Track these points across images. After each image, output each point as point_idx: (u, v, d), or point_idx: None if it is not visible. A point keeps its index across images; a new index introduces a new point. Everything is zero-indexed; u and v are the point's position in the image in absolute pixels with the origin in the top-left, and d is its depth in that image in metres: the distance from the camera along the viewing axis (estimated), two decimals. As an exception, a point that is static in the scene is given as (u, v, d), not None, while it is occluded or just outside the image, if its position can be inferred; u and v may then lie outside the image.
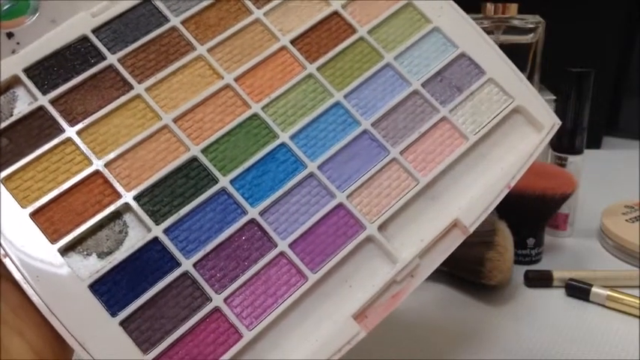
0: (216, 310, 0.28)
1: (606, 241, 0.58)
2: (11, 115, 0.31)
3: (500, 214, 0.51)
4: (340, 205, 0.32)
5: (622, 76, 0.82)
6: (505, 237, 0.49)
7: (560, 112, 0.57)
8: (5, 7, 0.34)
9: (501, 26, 0.57)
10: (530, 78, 0.59)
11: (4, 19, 0.33)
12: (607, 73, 0.77)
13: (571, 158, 0.58)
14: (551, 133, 0.36)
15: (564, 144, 0.58)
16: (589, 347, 0.44)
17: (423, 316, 0.48)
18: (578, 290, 0.51)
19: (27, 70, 0.32)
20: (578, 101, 0.57)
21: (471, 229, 0.32)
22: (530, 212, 0.53)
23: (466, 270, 0.50)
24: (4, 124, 0.30)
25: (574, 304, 0.50)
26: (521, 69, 0.56)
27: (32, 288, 0.27)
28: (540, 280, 0.52)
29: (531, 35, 0.58)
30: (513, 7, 0.61)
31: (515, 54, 0.54)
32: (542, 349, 0.44)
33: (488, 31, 0.59)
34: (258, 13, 0.35)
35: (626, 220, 0.59)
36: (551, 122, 0.36)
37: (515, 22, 0.59)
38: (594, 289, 0.50)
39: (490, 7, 0.61)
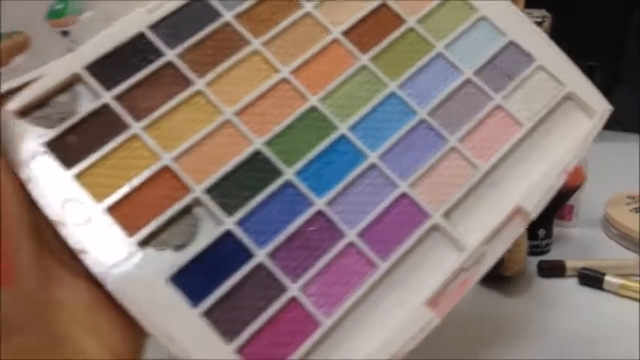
0: (293, 299, 0.29)
1: (610, 230, 0.60)
2: (75, 113, 0.31)
3: None
4: (404, 195, 0.32)
5: (617, 69, 0.83)
6: None
7: None
8: (57, 7, 0.34)
9: None
10: None
11: (57, 18, 0.33)
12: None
13: None
14: (602, 118, 0.36)
15: None
16: (604, 334, 0.45)
17: None
18: (591, 279, 0.52)
19: (88, 68, 0.32)
20: None
21: (534, 214, 0.33)
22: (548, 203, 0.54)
23: None
24: (70, 122, 0.30)
25: (587, 293, 0.51)
26: None
27: (113, 283, 0.27)
28: (553, 269, 0.54)
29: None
30: (520, 1, 0.62)
31: None
32: (558, 336, 0.45)
33: None
34: (308, 6, 0.35)
35: (630, 211, 0.60)
36: (602, 107, 0.36)
37: None
38: (607, 278, 0.51)
39: (495, 0, 0.61)
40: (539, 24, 0.59)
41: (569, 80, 0.36)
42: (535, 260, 0.53)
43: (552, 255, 0.56)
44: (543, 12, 0.61)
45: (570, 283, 0.52)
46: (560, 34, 0.62)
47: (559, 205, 0.57)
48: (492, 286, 0.51)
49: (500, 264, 0.49)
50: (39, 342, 0.23)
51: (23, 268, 0.23)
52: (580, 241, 0.60)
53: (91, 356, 0.25)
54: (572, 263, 0.53)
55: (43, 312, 0.23)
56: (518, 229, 0.33)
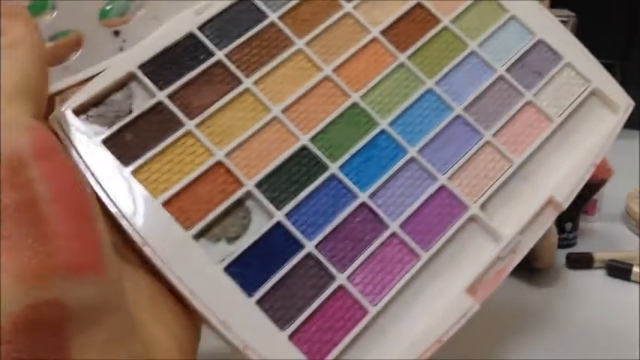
0: (341, 287, 0.30)
1: (631, 223, 0.61)
2: (130, 111, 0.32)
3: None
4: (442, 187, 0.34)
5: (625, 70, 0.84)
6: None
7: None
8: (107, 7, 0.36)
9: None
10: None
11: (107, 18, 0.35)
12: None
13: None
14: (626, 113, 0.38)
15: None
16: (632, 324, 0.47)
17: None
18: (619, 270, 0.53)
19: (141, 67, 0.33)
20: None
21: (565, 205, 0.34)
22: (575, 197, 0.55)
23: None
24: (126, 120, 0.32)
25: (615, 284, 0.53)
26: None
27: (173, 273, 0.29)
28: (582, 261, 0.56)
29: None
30: (546, 2, 0.63)
31: None
32: (587, 326, 0.47)
33: None
34: (348, 6, 0.37)
35: (650, 204, 0.62)
36: (625, 103, 0.38)
37: None
38: (635, 269, 0.53)
39: (523, 1, 0.62)
40: (563, 23, 0.61)
41: (594, 77, 0.38)
42: (562, 253, 0.55)
43: (579, 248, 0.58)
44: (567, 12, 0.63)
45: (598, 275, 0.54)
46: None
47: (587, 199, 0.59)
48: (522, 277, 0.53)
49: (531, 256, 0.50)
50: (114, 333, 0.23)
51: (109, 256, 0.23)
52: (603, 234, 0.62)
53: (162, 342, 0.26)
54: (599, 255, 0.55)
55: (121, 302, 0.24)
56: (550, 219, 0.34)
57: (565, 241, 0.57)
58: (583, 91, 0.38)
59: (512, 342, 0.45)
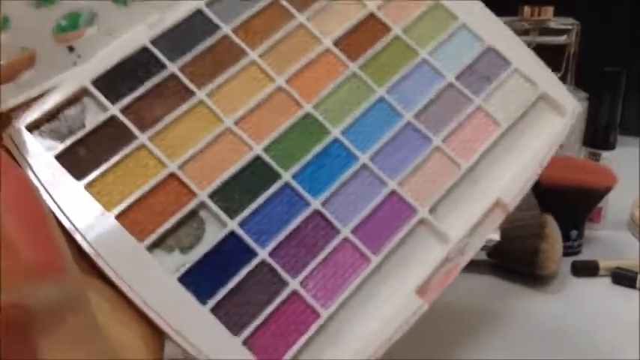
0: (294, 292, 0.31)
1: (637, 230, 0.62)
2: (83, 126, 0.33)
3: (546, 208, 0.55)
4: (393, 193, 0.34)
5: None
6: (554, 229, 0.53)
7: (593, 109, 0.61)
8: (62, 22, 0.36)
9: (537, 28, 0.60)
10: (564, 77, 0.63)
11: (63, 32, 0.35)
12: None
13: (604, 154, 0.62)
14: (573, 116, 0.39)
15: (598, 140, 0.62)
16: (637, 332, 0.47)
17: (476, 306, 0.51)
18: (625, 278, 0.53)
19: (94, 82, 0.34)
20: (611, 99, 0.60)
21: (511, 207, 0.35)
22: (576, 205, 0.57)
23: (520, 261, 0.53)
24: (79, 134, 0.32)
25: (621, 292, 0.53)
26: (556, 69, 0.59)
27: (127, 284, 0.29)
28: (587, 269, 0.55)
29: (565, 37, 0.61)
30: (549, 10, 0.65)
31: (551, 55, 0.58)
32: (594, 334, 0.47)
33: (525, 33, 0.62)
34: (301, 18, 0.38)
35: (655, 212, 0.63)
36: (572, 106, 0.39)
37: (551, 24, 0.62)
38: None
39: (527, 9, 0.64)
40: (568, 32, 0.62)
41: (541, 81, 0.39)
42: (567, 260, 0.55)
43: (584, 255, 0.58)
44: (572, 20, 0.64)
45: (603, 283, 0.54)
46: (585, 41, 0.65)
47: (592, 207, 0.60)
48: (527, 284, 0.53)
49: (536, 264, 0.52)
50: (80, 332, 0.24)
51: (67, 258, 0.24)
52: (608, 241, 0.62)
53: (129, 343, 0.27)
54: (605, 263, 0.55)
55: (84, 301, 0.24)
56: (498, 220, 0.35)
57: (570, 249, 0.57)
58: (531, 95, 0.39)
59: (518, 350, 0.45)
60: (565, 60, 0.62)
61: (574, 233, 0.57)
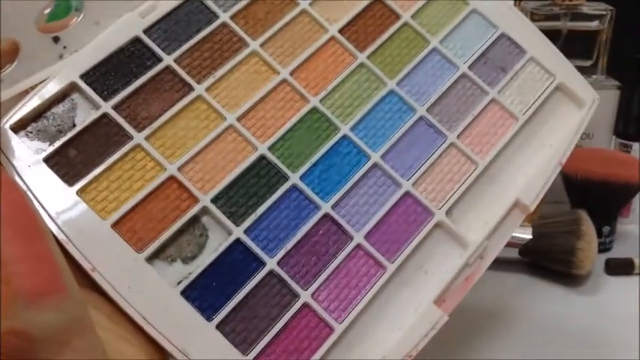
0: (306, 305, 0.29)
1: None
2: (74, 125, 0.30)
3: (578, 203, 0.53)
4: (407, 194, 0.32)
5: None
6: (589, 225, 0.50)
7: (625, 99, 0.59)
8: (48, 10, 0.33)
9: (569, 13, 0.58)
10: (595, 65, 0.60)
11: (48, 22, 0.32)
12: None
13: (636, 145, 0.60)
14: (592, 108, 0.37)
15: (630, 131, 0.60)
16: None
17: (508, 305, 0.49)
18: None
19: (84, 77, 0.31)
20: None
21: (532, 208, 0.33)
22: (610, 200, 0.54)
23: (555, 261, 0.51)
24: (69, 135, 0.30)
25: None
26: (588, 56, 0.57)
27: (125, 300, 0.27)
28: (622, 267, 0.53)
29: (597, 22, 0.59)
30: None
31: (582, 41, 0.55)
32: (630, 334, 0.46)
33: (555, 18, 0.59)
34: (304, 3, 0.35)
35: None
36: (591, 98, 0.37)
37: (584, 9, 0.60)
38: None
39: (559, -7, 0.61)
40: (601, 17, 0.60)
41: (559, 71, 0.37)
42: (599, 257, 0.53)
43: (615, 252, 0.56)
44: (605, 5, 0.61)
45: (637, 281, 0.52)
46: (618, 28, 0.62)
47: (626, 201, 0.58)
48: (560, 283, 0.51)
49: (573, 263, 0.50)
50: (85, 355, 0.21)
51: (68, 276, 0.21)
52: (638, 236, 0.59)
53: (130, 358, 0.25)
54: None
55: (88, 323, 0.22)
56: (517, 222, 0.34)
57: (602, 246, 0.54)
58: (548, 86, 0.37)
59: (551, 350, 0.43)
60: (597, 47, 0.59)
61: (606, 229, 0.55)
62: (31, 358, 0.20)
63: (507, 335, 0.46)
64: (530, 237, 0.51)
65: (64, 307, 0.21)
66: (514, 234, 0.43)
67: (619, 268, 0.53)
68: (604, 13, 0.60)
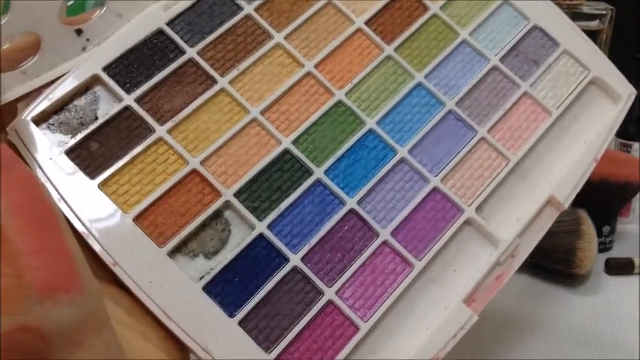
0: (330, 303, 0.28)
1: None
2: (96, 118, 0.30)
3: (578, 203, 0.52)
4: (435, 190, 0.31)
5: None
6: (589, 225, 0.50)
7: None
8: (70, 2, 0.33)
9: (569, 12, 0.57)
10: None
11: (70, 15, 0.32)
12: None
13: (636, 145, 0.59)
14: (628, 102, 0.36)
15: (630, 131, 0.59)
16: None
17: (509, 305, 0.48)
18: None
19: (106, 69, 0.31)
20: None
21: (566, 205, 0.32)
22: (610, 200, 0.54)
23: (556, 260, 0.50)
24: (91, 127, 0.29)
25: None
26: None
27: (146, 295, 0.27)
28: (622, 267, 0.53)
29: (597, 22, 0.58)
30: None
31: None
32: (630, 334, 0.45)
33: None
34: (329, -5, 0.34)
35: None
36: (627, 92, 0.36)
37: (584, 9, 0.59)
38: None
39: (560, -8, 0.60)
40: (601, 17, 0.59)
41: (593, 65, 0.36)
42: (599, 257, 0.52)
43: (615, 252, 0.55)
44: (606, 5, 0.60)
45: (637, 281, 0.51)
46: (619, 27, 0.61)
47: (626, 201, 0.57)
48: (560, 283, 0.51)
49: (574, 262, 0.49)
50: (100, 354, 0.21)
51: (84, 270, 0.20)
52: (638, 236, 0.58)
53: (153, 357, 0.24)
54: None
55: (104, 320, 0.21)
56: (551, 220, 0.32)
57: (601, 245, 0.54)
58: (582, 80, 0.35)
59: (552, 350, 0.42)
60: (597, 46, 0.58)
61: (606, 229, 0.54)
62: (44, 356, 0.19)
63: (507, 335, 0.45)
64: None
65: (79, 303, 0.20)
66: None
67: (619, 267, 0.53)
68: (604, 12, 0.59)
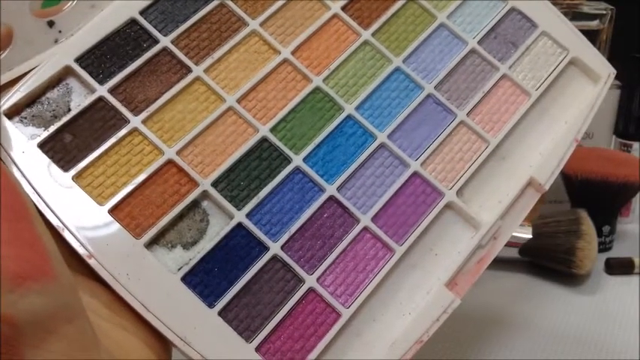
0: (311, 290, 0.28)
1: None
2: (69, 110, 0.29)
3: (578, 203, 0.52)
4: (415, 174, 0.31)
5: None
6: (589, 225, 0.50)
7: (625, 98, 0.58)
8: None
9: (569, 12, 0.57)
10: None
11: (47, 7, 0.32)
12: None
13: (636, 145, 0.59)
14: (608, 82, 0.35)
15: (630, 131, 0.59)
16: None
17: (508, 305, 0.48)
18: None
19: (79, 60, 0.30)
20: None
21: (546, 187, 0.32)
22: (610, 199, 0.54)
23: (555, 260, 0.50)
24: (64, 119, 0.29)
25: None
26: None
27: (123, 287, 0.26)
28: (622, 267, 0.53)
29: (597, 22, 0.58)
30: None
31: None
32: (630, 334, 0.45)
33: None
34: (305, -19, 0.34)
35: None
36: (607, 72, 0.36)
37: (584, 8, 0.59)
38: None
39: (560, -8, 0.60)
40: (601, 17, 0.59)
41: (572, 45, 0.35)
42: (599, 257, 0.52)
43: (615, 251, 0.55)
44: (605, 5, 0.60)
45: (637, 281, 0.51)
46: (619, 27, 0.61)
47: (626, 201, 0.57)
48: (560, 283, 0.51)
49: (573, 262, 0.49)
50: (74, 343, 0.20)
51: (56, 259, 0.20)
52: (638, 236, 0.58)
53: (130, 349, 0.24)
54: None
55: (77, 309, 0.21)
56: (532, 201, 0.32)
57: (601, 245, 0.54)
58: (561, 60, 0.35)
59: (552, 350, 0.42)
60: (597, 46, 0.58)
61: (606, 229, 0.54)
62: (14, 344, 0.19)
63: (507, 335, 0.45)
64: (530, 236, 0.51)
65: (50, 292, 0.20)
66: (514, 233, 0.42)
67: (619, 267, 0.53)
68: (604, 12, 0.59)
